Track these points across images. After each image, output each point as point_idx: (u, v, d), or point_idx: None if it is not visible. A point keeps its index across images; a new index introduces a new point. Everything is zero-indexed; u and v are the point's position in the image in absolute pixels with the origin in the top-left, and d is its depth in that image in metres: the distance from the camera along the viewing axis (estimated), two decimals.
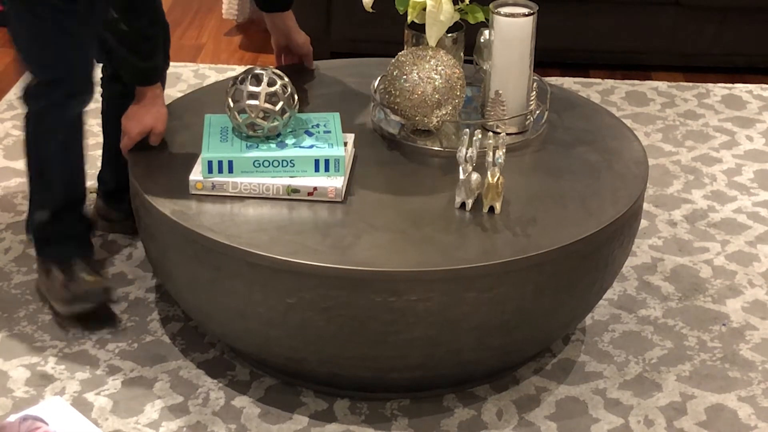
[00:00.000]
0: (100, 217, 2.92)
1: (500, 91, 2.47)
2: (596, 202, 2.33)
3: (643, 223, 2.97)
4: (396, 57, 2.46)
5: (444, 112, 2.43)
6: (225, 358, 2.50)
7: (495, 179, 2.23)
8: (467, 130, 2.30)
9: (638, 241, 2.93)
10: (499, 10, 2.44)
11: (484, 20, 2.47)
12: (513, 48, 2.45)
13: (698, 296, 2.76)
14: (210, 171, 2.30)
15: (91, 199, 2.97)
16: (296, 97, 2.39)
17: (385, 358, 2.24)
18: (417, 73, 2.40)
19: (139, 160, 2.44)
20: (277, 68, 2.47)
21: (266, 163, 2.31)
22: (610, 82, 3.85)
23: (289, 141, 2.37)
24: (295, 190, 2.30)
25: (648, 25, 3.88)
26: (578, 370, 2.50)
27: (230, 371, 2.46)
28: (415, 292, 2.13)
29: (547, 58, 3.83)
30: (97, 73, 2.78)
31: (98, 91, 2.80)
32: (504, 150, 2.24)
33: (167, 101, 2.53)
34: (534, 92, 2.54)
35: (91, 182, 3.01)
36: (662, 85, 3.85)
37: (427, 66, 2.40)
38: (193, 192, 2.31)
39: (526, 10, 2.45)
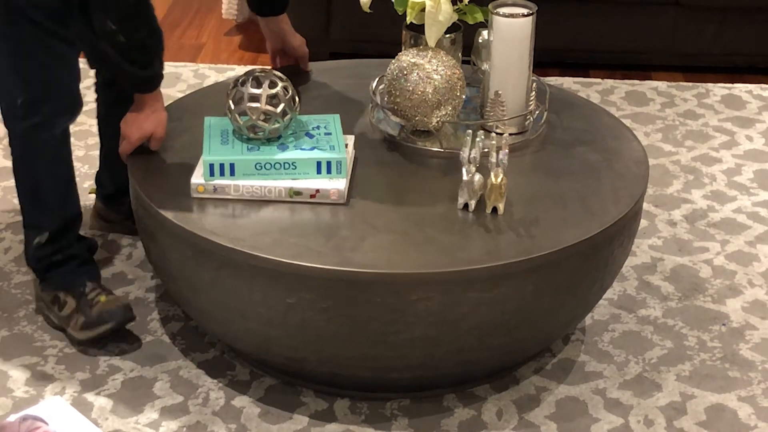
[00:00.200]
0: (99, 218, 2.92)
1: (500, 92, 2.47)
2: (598, 202, 2.33)
3: (643, 223, 2.98)
4: (396, 57, 2.46)
5: (444, 113, 2.43)
6: (225, 358, 2.50)
7: (498, 180, 2.23)
8: (470, 131, 2.30)
9: (638, 241, 2.93)
10: (499, 10, 2.44)
11: (483, 21, 2.47)
12: (512, 48, 2.45)
13: (698, 296, 2.76)
14: (212, 174, 2.30)
15: (91, 199, 2.98)
16: (297, 99, 2.39)
17: (385, 358, 2.24)
18: (417, 73, 2.40)
19: (139, 163, 2.43)
20: (277, 70, 2.46)
21: (268, 166, 2.30)
22: (610, 82, 3.85)
23: (291, 143, 2.36)
24: (298, 193, 2.29)
25: (648, 25, 3.88)
26: (578, 370, 2.50)
27: (230, 371, 2.47)
28: (416, 293, 2.14)
29: (547, 58, 3.83)
30: (92, 77, 2.78)
31: (93, 96, 2.80)
32: (507, 151, 2.24)
33: (166, 102, 2.52)
34: (533, 92, 2.54)
35: (90, 182, 3.02)
36: (662, 85, 3.85)
37: (427, 66, 2.40)
38: (194, 195, 2.30)
39: (525, 11, 2.45)
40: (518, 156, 2.47)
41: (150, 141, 2.43)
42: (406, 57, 2.43)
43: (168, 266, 2.36)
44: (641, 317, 2.67)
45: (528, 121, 2.55)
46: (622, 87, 3.82)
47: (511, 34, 2.44)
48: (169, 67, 3.85)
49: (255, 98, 2.33)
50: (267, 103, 2.33)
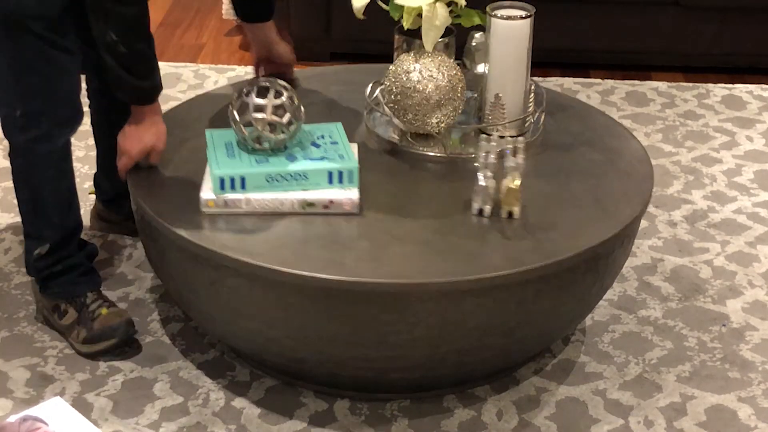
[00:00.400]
0: (99, 219, 2.91)
1: (500, 95, 2.46)
2: (611, 202, 2.33)
3: (643, 223, 2.97)
4: (397, 57, 2.46)
5: (445, 113, 2.42)
6: (225, 359, 2.50)
7: (516, 183, 2.21)
8: (483, 135, 2.29)
9: (638, 241, 2.93)
10: (497, 12, 2.43)
11: (479, 24, 2.45)
12: (510, 51, 2.45)
13: (698, 297, 2.76)
14: (222, 188, 2.25)
15: (91, 199, 2.98)
16: (302, 108, 2.35)
17: (385, 358, 2.24)
18: (420, 71, 2.39)
19: (140, 180, 2.37)
20: (275, 79, 2.41)
21: (279, 178, 2.26)
22: (610, 83, 3.85)
23: (298, 154, 2.32)
24: (311, 204, 2.25)
25: (648, 25, 3.88)
26: (578, 370, 2.50)
27: (230, 372, 2.46)
28: (443, 301, 2.13)
29: (547, 59, 3.84)
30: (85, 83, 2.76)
31: (86, 102, 2.79)
32: (524, 154, 2.23)
33: (166, 102, 2.51)
34: (532, 94, 2.54)
35: (90, 182, 3.02)
36: (662, 85, 3.85)
37: (430, 65, 2.39)
38: (204, 210, 2.25)
39: (523, 13, 2.44)
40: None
41: (150, 155, 2.39)
42: (408, 57, 2.42)
43: (166, 265, 2.35)
44: (641, 318, 2.67)
45: (528, 123, 2.55)
46: (622, 87, 3.82)
47: (509, 36, 2.43)
48: (169, 68, 3.87)
49: (260, 108, 2.30)
50: (273, 113, 2.29)
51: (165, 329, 2.59)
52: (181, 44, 4.15)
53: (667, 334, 2.62)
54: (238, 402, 2.38)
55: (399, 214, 2.29)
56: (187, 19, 4.38)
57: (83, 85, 2.78)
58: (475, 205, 2.26)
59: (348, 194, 2.26)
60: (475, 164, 2.25)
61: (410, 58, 2.42)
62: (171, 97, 3.59)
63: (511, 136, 2.48)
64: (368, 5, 2.38)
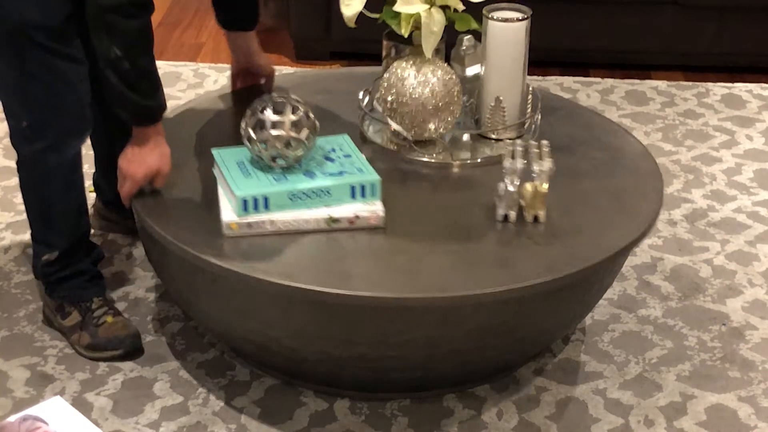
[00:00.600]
0: (100, 218, 2.91)
1: (501, 98, 2.45)
2: (627, 200, 2.33)
3: None
4: (385, 63, 2.45)
5: (442, 119, 2.41)
6: (225, 358, 2.50)
7: (543, 187, 2.20)
8: (509, 140, 2.27)
9: None
10: (493, 15, 2.42)
11: (474, 29, 2.43)
12: (507, 53, 2.44)
13: (698, 296, 2.76)
14: (245, 209, 2.19)
15: (90, 198, 2.98)
16: (317, 123, 2.29)
17: (385, 358, 2.24)
18: (415, 78, 2.38)
19: (148, 206, 2.30)
20: (287, 93, 2.35)
21: (302, 196, 2.21)
22: (609, 82, 3.85)
23: (315, 170, 2.27)
24: (336, 220, 2.20)
25: (647, 24, 3.88)
26: (578, 370, 2.50)
27: (230, 371, 2.46)
28: (486, 310, 2.13)
29: (547, 58, 3.85)
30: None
31: None
32: (551, 158, 2.22)
33: (167, 100, 2.49)
34: (530, 96, 2.54)
35: (89, 182, 3.01)
36: (662, 84, 3.85)
37: (425, 70, 2.38)
38: (227, 233, 2.18)
39: (519, 15, 2.43)
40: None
41: (155, 178, 2.32)
42: (401, 63, 2.41)
43: (167, 266, 2.35)
44: (641, 317, 2.67)
45: (528, 125, 2.54)
46: (621, 86, 3.82)
47: (506, 38, 2.43)
48: (169, 67, 3.88)
49: (278, 125, 2.24)
50: (291, 130, 2.24)
51: (165, 329, 2.59)
52: (180, 43, 4.15)
53: (667, 334, 2.62)
54: (238, 402, 2.38)
55: (421, 224, 2.25)
56: (186, 18, 4.38)
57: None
58: (500, 211, 2.23)
59: (372, 208, 2.22)
60: (503, 170, 2.22)
61: (404, 64, 2.40)
62: (171, 96, 3.59)
63: (511, 139, 2.48)
64: (361, 12, 2.37)
